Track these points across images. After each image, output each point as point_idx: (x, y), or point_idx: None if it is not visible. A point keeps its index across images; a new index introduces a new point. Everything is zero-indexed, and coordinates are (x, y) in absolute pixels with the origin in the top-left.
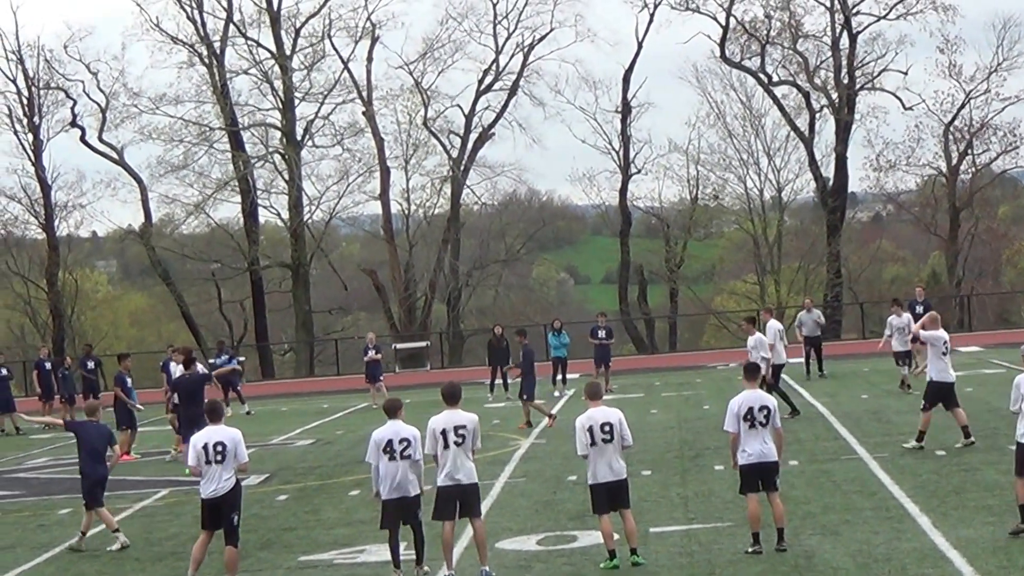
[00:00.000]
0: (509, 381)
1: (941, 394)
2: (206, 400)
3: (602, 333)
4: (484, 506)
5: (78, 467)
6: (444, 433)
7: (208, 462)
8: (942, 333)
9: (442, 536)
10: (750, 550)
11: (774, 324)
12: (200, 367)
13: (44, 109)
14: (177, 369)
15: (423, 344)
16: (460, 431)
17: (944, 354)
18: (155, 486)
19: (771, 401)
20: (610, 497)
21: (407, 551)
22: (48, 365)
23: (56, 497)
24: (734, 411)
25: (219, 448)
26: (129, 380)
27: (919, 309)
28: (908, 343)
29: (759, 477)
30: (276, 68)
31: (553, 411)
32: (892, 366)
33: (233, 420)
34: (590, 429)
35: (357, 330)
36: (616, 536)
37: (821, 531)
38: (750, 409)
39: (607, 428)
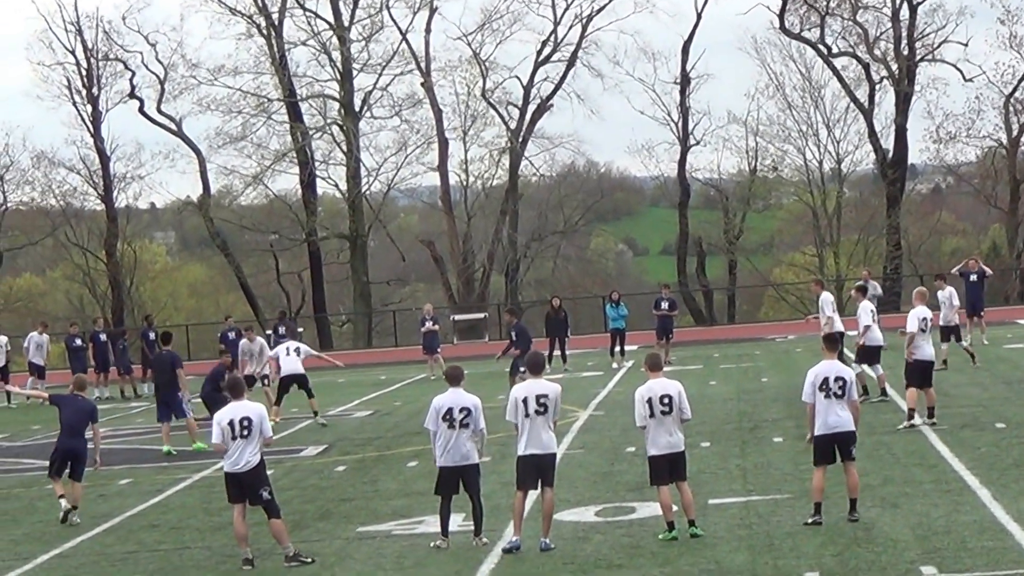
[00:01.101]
0: (567, 352)
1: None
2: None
3: (665, 304)
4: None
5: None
6: (525, 401)
7: (234, 437)
8: (923, 311)
9: (514, 503)
10: (810, 521)
11: (828, 296)
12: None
13: (103, 80)
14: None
15: (481, 316)
16: (541, 400)
17: (923, 331)
18: (214, 456)
19: (848, 372)
20: (668, 469)
21: (465, 522)
22: (103, 337)
23: (115, 467)
24: (811, 381)
25: (245, 423)
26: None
27: (973, 279)
28: (951, 319)
29: (834, 447)
30: (334, 39)
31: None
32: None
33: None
34: (649, 400)
35: (415, 301)
36: (674, 508)
37: (880, 503)
38: (825, 379)
39: (666, 400)
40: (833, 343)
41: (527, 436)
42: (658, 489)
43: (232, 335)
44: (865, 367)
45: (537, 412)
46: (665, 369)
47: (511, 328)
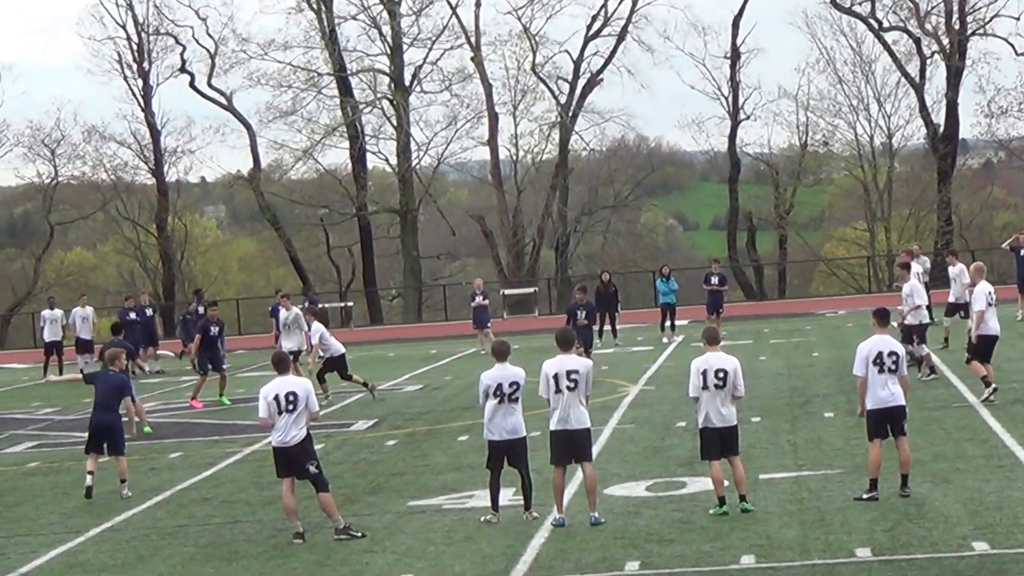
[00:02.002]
0: (617, 327)
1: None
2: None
3: (715, 279)
4: (594, 451)
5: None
6: (556, 378)
7: (280, 412)
8: (987, 285)
9: (553, 481)
10: (865, 496)
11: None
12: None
13: (153, 55)
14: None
15: (531, 290)
16: (572, 376)
17: (991, 306)
18: (264, 430)
19: (900, 347)
20: (720, 443)
21: (515, 496)
22: (149, 311)
23: (166, 441)
24: (863, 355)
25: (291, 398)
26: (214, 328)
27: (1023, 253)
28: (960, 296)
29: (887, 422)
30: (384, 13)
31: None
32: (1003, 312)
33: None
34: (703, 372)
35: (464, 276)
36: (725, 483)
37: (931, 479)
38: (879, 354)
39: (721, 374)
40: (884, 317)
41: (559, 412)
42: (709, 463)
43: (282, 311)
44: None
45: (569, 388)
46: None
47: (583, 306)
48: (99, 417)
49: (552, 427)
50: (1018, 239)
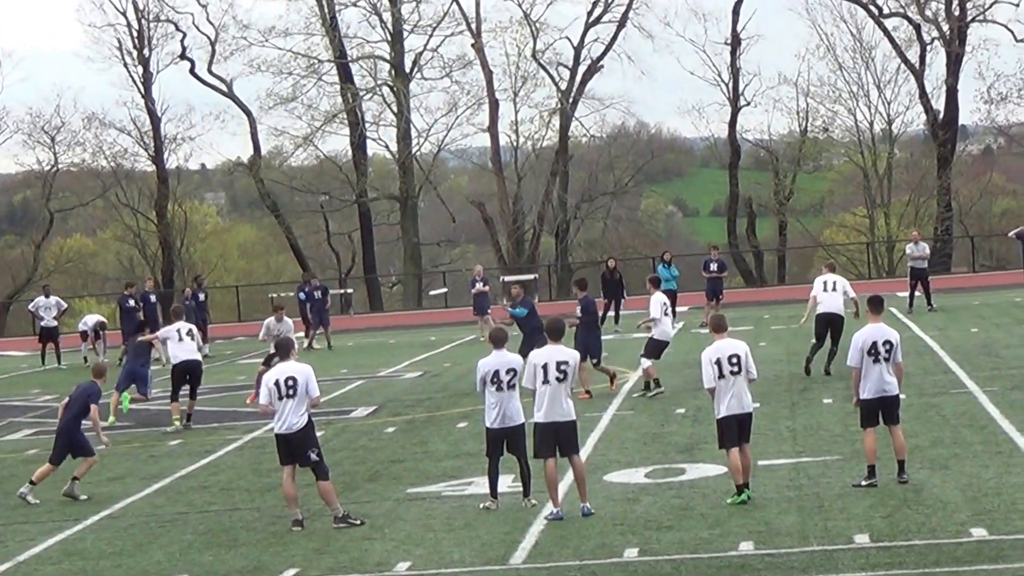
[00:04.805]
0: (620, 312)
1: None
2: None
3: (714, 266)
4: (592, 439)
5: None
6: (545, 368)
7: (280, 397)
8: None
9: (545, 474)
10: (864, 483)
11: None
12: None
13: (154, 42)
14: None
15: (531, 277)
16: (562, 367)
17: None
18: (264, 417)
19: (894, 335)
20: (738, 430)
21: (514, 483)
22: (153, 298)
23: (166, 428)
24: (859, 345)
25: (290, 383)
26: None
27: None
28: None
29: (881, 410)
30: (385, 0)
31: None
32: (1002, 299)
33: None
34: (718, 362)
35: (465, 263)
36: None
37: (930, 465)
38: (874, 344)
39: (735, 360)
40: (878, 305)
41: (546, 403)
42: (727, 452)
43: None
44: None
45: (557, 379)
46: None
47: (580, 300)
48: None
49: (538, 419)
50: None
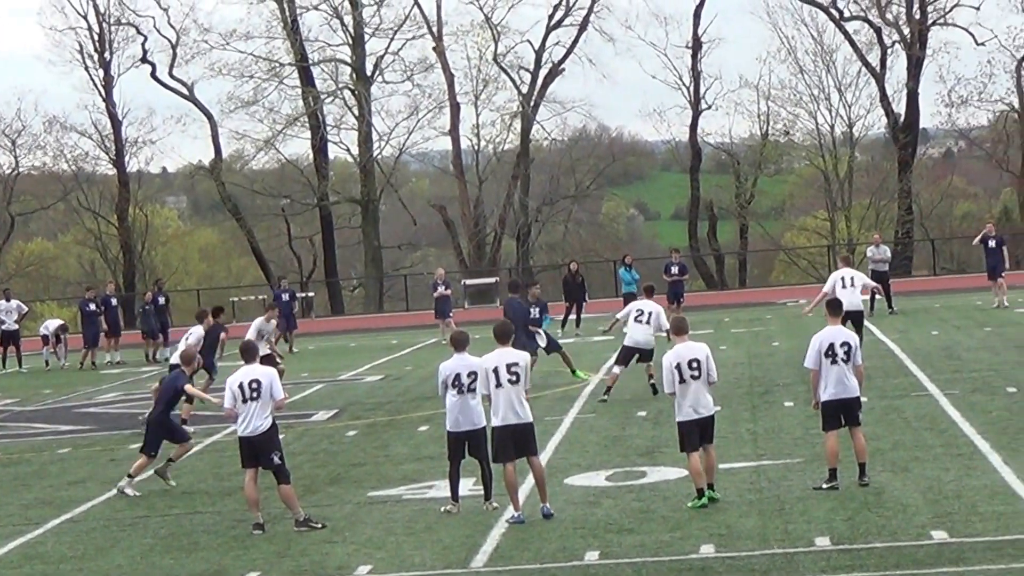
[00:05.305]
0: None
1: None
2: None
3: (675, 269)
4: (553, 441)
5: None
6: (496, 372)
7: (244, 400)
8: None
9: (505, 479)
10: (826, 486)
11: None
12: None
13: (115, 45)
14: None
15: (492, 280)
16: (513, 368)
17: None
18: (224, 421)
19: (852, 337)
20: (699, 434)
21: (475, 486)
22: (114, 301)
23: (126, 432)
24: (815, 347)
25: (254, 385)
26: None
27: (991, 244)
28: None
29: (841, 413)
30: (346, 3)
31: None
32: (963, 302)
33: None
34: (678, 367)
35: (426, 266)
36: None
37: (891, 467)
38: (831, 345)
39: (695, 364)
40: (836, 308)
41: (502, 407)
42: (688, 455)
43: (286, 296)
44: None
45: (510, 381)
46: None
47: (535, 303)
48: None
49: (496, 423)
50: (989, 229)
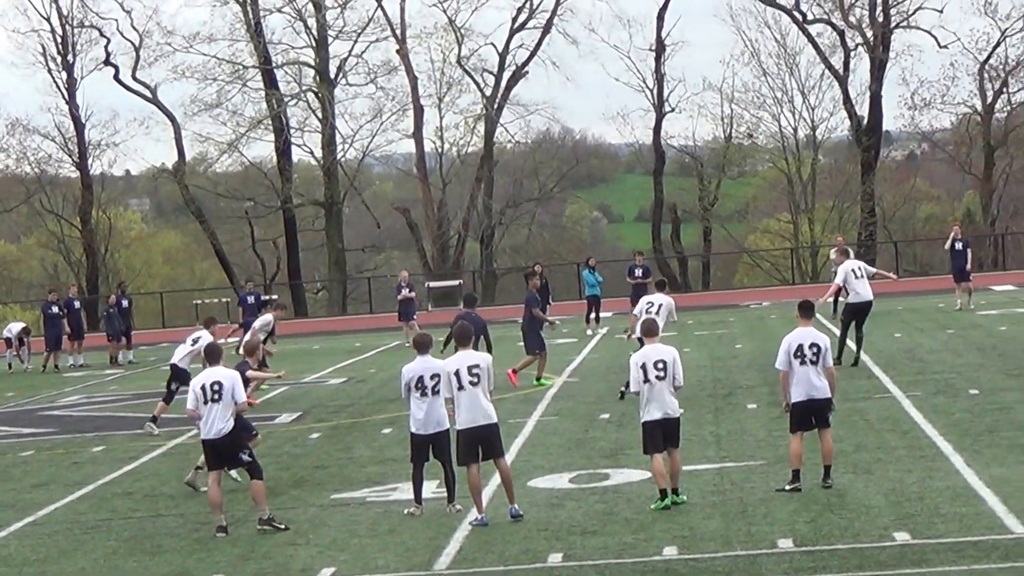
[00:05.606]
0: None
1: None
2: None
3: (639, 272)
4: (516, 444)
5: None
6: (458, 374)
7: (206, 402)
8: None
9: (469, 481)
10: (789, 488)
11: None
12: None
13: (78, 48)
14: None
15: (456, 282)
16: (474, 370)
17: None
18: (188, 424)
19: (823, 339)
20: (663, 435)
21: (438, 489)
22: (77, 304)
23: (88, 435)
24: (784, 349)
25: (215, 387)
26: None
27: (958, 247)
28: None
29: (811, 414)
30: (310, 6)
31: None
32: (925, 304)
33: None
34: (643, 366)
35: (390, 268)
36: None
37: (853, 469)
38: (800, 346)
39: (660, 365)
40: (808, 310)
41: (465, 409)
42: (651, 456)
43: (251, 299)
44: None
45: (471, 383)
46: (634, 337)
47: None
48: None
49: (460, 426)
50: (957, 231)
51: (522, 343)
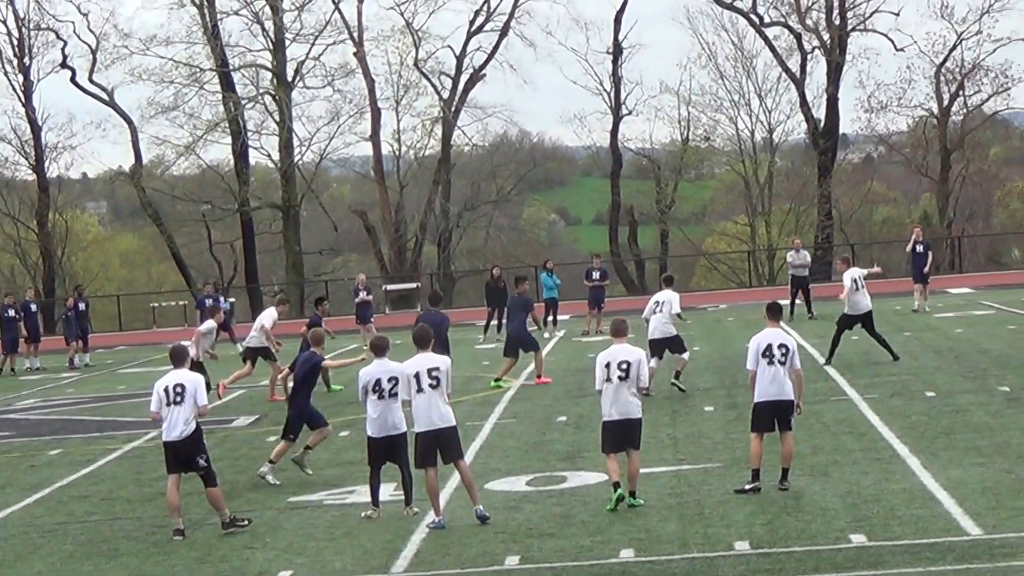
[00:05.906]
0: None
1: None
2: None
3: (596, 275)
4: (474, 447)
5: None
6: (417, 376)
7: (168, 404)
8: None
9: (426, 484)
10: (748, 487)
11: None
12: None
13: (34, 50)
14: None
15: (413, 285)
16: (433, 373)
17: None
18: (145, 427)
19: (791, 341)
20: (623, 436)
21: (396, 492)
22: (34, 307)
23: (45, 438)
24: (753, 348)
25: (178, 389)
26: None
27: (919, 249)
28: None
29: (774, 415)
30: (267, 8)
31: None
32: (882, 307)
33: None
34: (607, 365)
35: (347, 271)
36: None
37: (810, 472)
38: (768, 346)
39: (624, 366)
40: (775, 312)
41: (423, 412)
42: (608, 456)
43: (209, 301)
44: None
45: (431, 386)
46: (594, 340)
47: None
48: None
49: (418, 428)
50: (918, 233)
51: (485, 346)
